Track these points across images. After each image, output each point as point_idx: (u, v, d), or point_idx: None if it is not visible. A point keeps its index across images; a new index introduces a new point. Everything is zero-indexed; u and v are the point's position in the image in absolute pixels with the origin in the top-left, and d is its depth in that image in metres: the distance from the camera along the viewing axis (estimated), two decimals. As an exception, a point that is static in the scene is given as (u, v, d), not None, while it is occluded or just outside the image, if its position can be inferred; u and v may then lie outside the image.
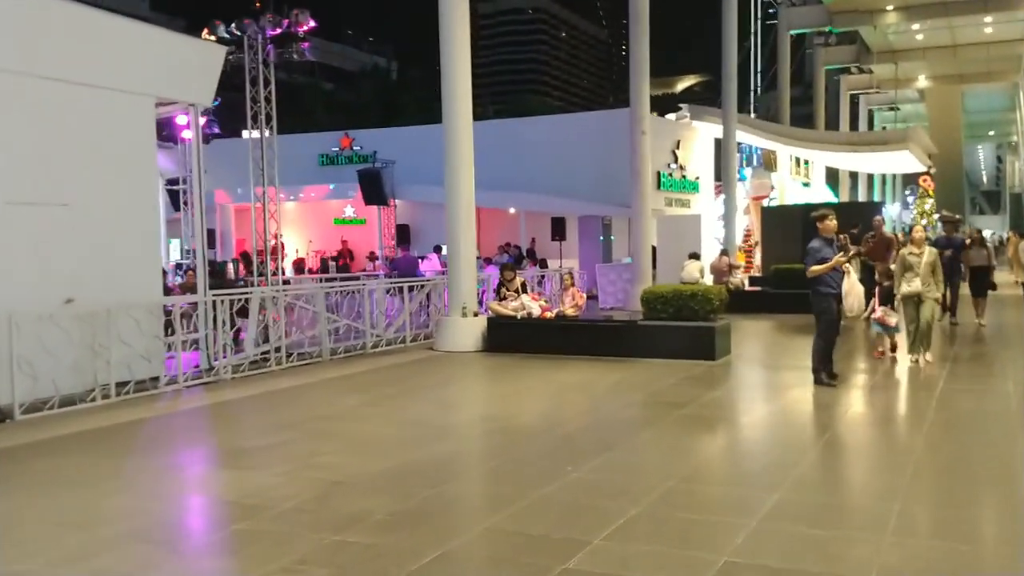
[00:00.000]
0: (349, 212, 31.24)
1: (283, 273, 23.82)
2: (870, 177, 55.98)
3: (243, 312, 13.06)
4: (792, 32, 41.02)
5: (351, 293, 15.39)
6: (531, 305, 13.44)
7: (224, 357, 12.07)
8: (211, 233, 30.33)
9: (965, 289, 16.78)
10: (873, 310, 11.47)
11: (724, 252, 21.62)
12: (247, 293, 13.60)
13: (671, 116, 32.79)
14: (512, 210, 28.42)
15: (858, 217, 17.95)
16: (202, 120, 23.49)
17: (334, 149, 32.44)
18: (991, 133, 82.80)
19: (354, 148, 31.93)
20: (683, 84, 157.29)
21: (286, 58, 15.15)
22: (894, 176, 63.55)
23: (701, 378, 10.73)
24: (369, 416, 9.03)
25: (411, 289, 16.00)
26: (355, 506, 5.70)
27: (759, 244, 28.56)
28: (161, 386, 10.98)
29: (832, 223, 9.73)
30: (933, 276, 10.96)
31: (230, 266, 23.05)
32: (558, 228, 23.15)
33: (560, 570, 4.48)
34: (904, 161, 40.82)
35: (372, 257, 28.35)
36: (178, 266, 23.20)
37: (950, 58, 47.94)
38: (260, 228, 16.41)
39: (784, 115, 38.68)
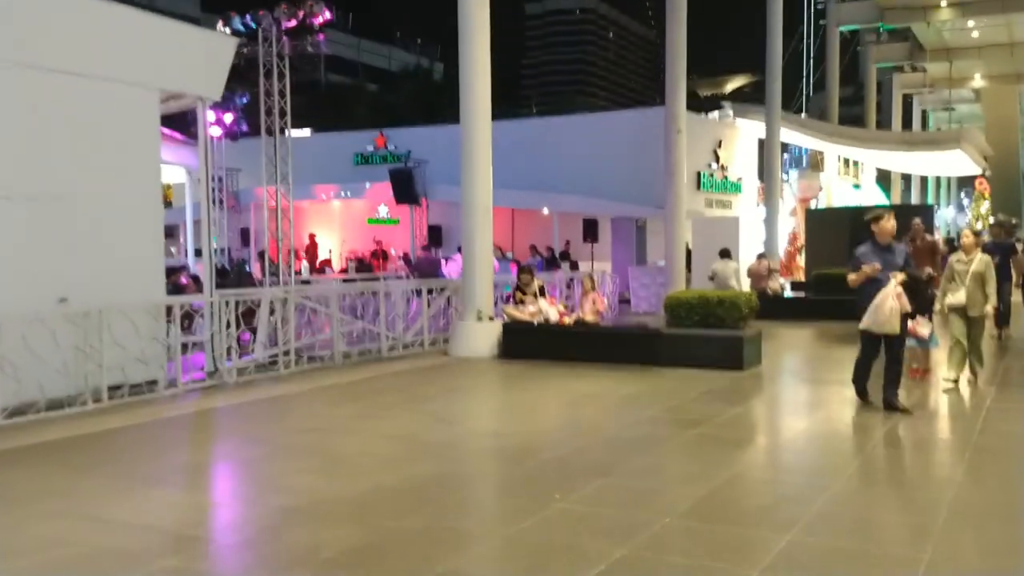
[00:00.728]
0: (383, 212, 30.78)
1: (305, 273, 23.37)
2: (923, 179, 54.25)
3: (250, 314, 12.56)
4: (841, 28, 39.69)
5: (364, 295, 14.86)
6: (548, 310, 12.74)
7: (229, 361, 11.60)
8: (245, 232, 30.25)
9: (1018, 296, 15.73)
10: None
11: (762, 255, 20.66)
12: (256, 294, 13.12)
13: (713, 115, 31.82)
14: (545, 211, 27.73)
15: (908, 221, 16.98)
16: (229, 117, 23.24)
17: (369, 148, 32.07)
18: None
19: (388, 147, 31.51)
20: (733, 84, 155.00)
21: (300, 51, 14.60)
22: (948, 178, 61.60)
23: (724, 392, 9.94)
24: (358, 429, 8.39)
25: (430, 291, 15.39)
26: (306, 539, 5.06)
27: (804, 248, 27.55)
28: (160, 390, 10.49)
29: (890, 225, 8.36)
30: (984, 287, 9.70)
31: (257, 266, 22.73)
32: (590, 230, 22.37)
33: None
34: (958, 163, 39.35)
35: (405, 258, 27.86)
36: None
37: (1007, 56, 46.14)
38: (272, 227, 15.83)
39: (832, 114, 37.45)
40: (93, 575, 4.72)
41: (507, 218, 29.63)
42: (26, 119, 10.03)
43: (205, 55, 12.36)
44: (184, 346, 12.73)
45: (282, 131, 14.53)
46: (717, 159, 28.92)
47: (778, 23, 27.01)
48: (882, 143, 35.68)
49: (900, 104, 51.09)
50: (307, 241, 29.48)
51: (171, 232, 27.46)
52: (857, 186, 40.71)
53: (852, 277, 8.40)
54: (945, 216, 59.75)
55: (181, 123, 22.30)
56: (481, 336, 13.16)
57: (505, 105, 68.32)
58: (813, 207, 32.46)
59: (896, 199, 45.93)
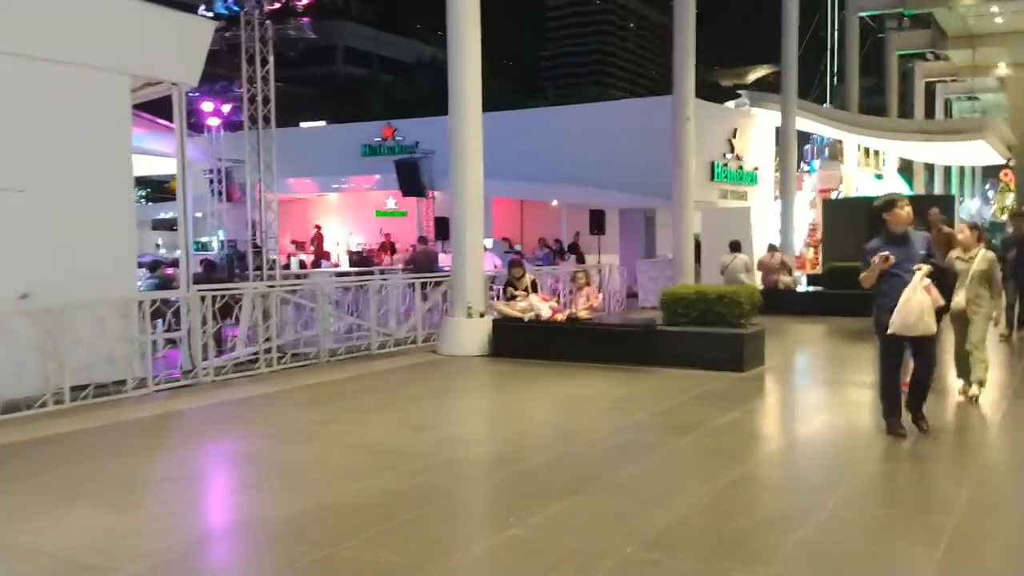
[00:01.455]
0: (391, 204, 30.23)
1: (295, 266, 22.82)
2: (947, 170, 53.01)
3: (227, 311, 12.01)
4: (861, 15, 38.62)
5: (352, 289, 14.31)
6: (540, 306, 12.08)
7: (206, 359, 11.06)
8: (253, 225, 29.81)
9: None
10: None
11: (773, 247, 19.90)
12: (236, 289, 12.58)
13: (729, 103, 31.00)
14: (554, 202, 27.05)
15: (926, 211, 16.14)
16: (227, 107, 22.64)
17: (376, 139, 31.52)
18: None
19: (396, 138, 30.94)
20: (755, 75, 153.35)
21: (283, 35, 13.99)
22: (973, 169, 60.26)
23: (720, 394, 9.26)
24: (320, 436, 7.78)
25: (424, 286, 14.81)
26: (217, 570, 4.47)
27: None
28: (128, 390, 9.96)
29: (904, 212, 7.14)
30: (989, 288, 8.66)
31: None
32: (596, 221, 21.65)
33: None
34: (981, 152, 38.24)
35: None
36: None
37: (1032, 44, 44.77)
38: (258, 217, 15.29)
39: (852, 102, 36.45)
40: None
41: (516, 210, 29.01)
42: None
43: (180, 39, 11.82)
44: (171, 343, 12.29)
45: (266, 119, 13.91)
46: (732, 149, 28.12)
47: (794, 9, 26.32)
48: (901, 132, 34.65)
49: (923, 93, 49.83)
50: (313, 233, 29.00)
51: (173, 225, 27.09)
52: (879, 176, 39.70)
53: (863, 275, 7.23)
54: (969, 208, 58.47)
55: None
56: (470, 333, 12.54)
57: (520, 96, 67.74)
58: (833, 198, 31.58)
59: (919, 190, 44.83)
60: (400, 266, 21.49)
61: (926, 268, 6.90)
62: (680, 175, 19.11)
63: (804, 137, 38.55)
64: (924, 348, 7.14)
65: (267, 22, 13.59)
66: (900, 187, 40.27)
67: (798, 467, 6.74)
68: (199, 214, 24.51)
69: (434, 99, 58.12)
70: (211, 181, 23.46)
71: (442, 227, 27.72)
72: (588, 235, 23.57)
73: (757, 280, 18.71)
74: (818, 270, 25.34)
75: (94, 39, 10.66)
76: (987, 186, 68.37)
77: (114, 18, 10.94)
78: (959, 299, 8.55)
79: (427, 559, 4.52)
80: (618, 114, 28.25)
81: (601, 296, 14.04)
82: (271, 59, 13.80)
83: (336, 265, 24.86)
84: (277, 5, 13.71)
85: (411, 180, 27.17)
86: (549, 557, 4.59)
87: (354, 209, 31.51)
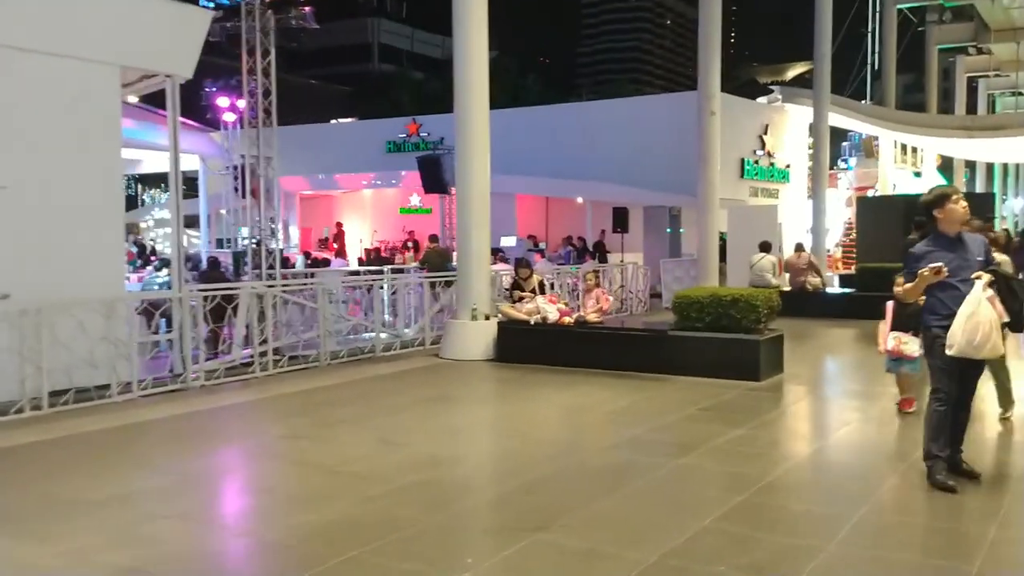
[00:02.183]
0: (415, 201, 29.76)
1: (300, 265, 22.37)
2: (989, 167, 51.46)
3: (219, 311, 11.54)
4: (900, 7, 37.43)
5: (356, 289, 13.82)
6: (547, 308, 11.45)
7: (196, 362, 10.60)
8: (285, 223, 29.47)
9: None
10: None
11: (800, 247, 19.11)
12: (232, 289, 12.11)
13: (761, 99, 30.15)
14: (580, 200, 26.39)
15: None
16: (243, 103, 22.26)
17: (401, 135, 31.08)
18: None
19: (421, 135, 30.46)
20: (794, 71, 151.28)
21: (284, 25, 13.50)
22: (1017, 166, 58.51)
23: (730, 407, 8.58)
24: (280, 454, 7.17)
25: (433, 286, 14.27)
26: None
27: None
28: (113, 395, 9.50)
29: (960, 208, 5.92)
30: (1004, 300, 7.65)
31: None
32: (619, 219, 20.93)
33: None
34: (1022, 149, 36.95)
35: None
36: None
37: (1079, 36, 43.20)
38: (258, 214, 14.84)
39: (889, 98, 35.33)
40: None
41: (541, 207, 28.42)
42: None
43: (173, 29, 11.37)
44: (155, 345, 11.86)
45: (267, 113, 13.45)
46: (763, 145, 27.29)
47: (828, 2, 25.48)
48: (940, 128, 33.50)
49: (965, 89, 48.37)
50: (334, 230, 28.62)
51: (193, 222, 26.84)
52: (917, 174, 38.57)
53: (906, 287, 5.96)
54: (1013, 207, 56.81)
55: (195, 108, 21.47)
56: (474, 337, 11.96)
57: (556, 93, 67.11)
58: (869, 196, 30.62)
59: (960, 188, 43.53)
60: (414, 265, 21.00)
61: (987, 277, 5.80)
62: (705, 172, 18.38)
63: (841, 134, 37.48)
64: (973, 378, 6.06)
65: (268, 12, 13.11)
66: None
67: (803, 497, 6.00)
68: (223, 211, 24.22)
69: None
70: (234, 178, 23.15)
71: (464, 225, 27.24)
72: (611, 233, 22.89)
73: (785, 281, 17.98)
74: (851, 270, 24.48)
75: (80, 29, 10.24)
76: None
77: (101, 7, 10.50)
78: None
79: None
80: (646, 109, 27.55)
81: (611, 299, 13.37)
82: (272, 50, 13.31)
83: (347, 264, 24.43)
84: (278, -7, 13.25)
85: (434, 177, 26.60)
86: (499, 608, 3.99)
87: (378, 206, 31.12)
